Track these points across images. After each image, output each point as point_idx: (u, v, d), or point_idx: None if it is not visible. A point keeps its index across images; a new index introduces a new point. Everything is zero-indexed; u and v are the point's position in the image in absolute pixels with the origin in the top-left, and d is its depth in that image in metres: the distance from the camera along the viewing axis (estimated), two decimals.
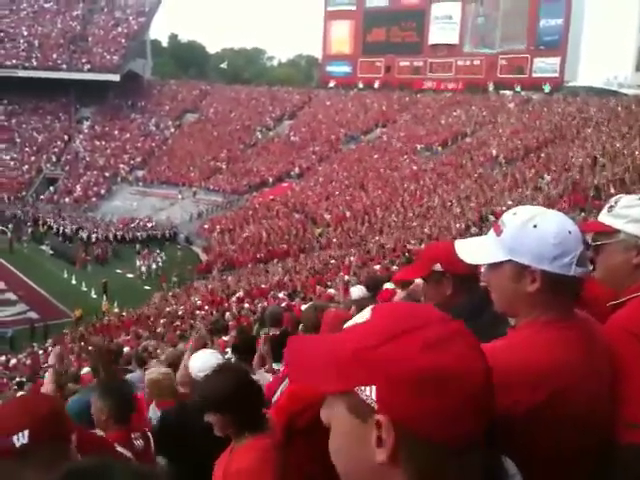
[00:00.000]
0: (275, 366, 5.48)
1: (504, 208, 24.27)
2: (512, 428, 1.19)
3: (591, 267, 1.80)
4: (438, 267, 2.31)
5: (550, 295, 1.42)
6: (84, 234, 40.81)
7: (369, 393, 0.85)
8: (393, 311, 0.95)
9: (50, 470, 1.47)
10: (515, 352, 1.34)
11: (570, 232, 1.41)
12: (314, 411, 2.46)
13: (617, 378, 1.46)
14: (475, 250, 1.57)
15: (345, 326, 0.96)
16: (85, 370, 8.85)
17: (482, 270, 1.60)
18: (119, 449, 2.81)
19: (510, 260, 1.44)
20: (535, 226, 1.41)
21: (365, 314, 0.95)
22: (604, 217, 1.87)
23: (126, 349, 13.20)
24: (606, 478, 1.52)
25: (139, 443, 3.11)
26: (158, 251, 37.37)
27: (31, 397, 1.75)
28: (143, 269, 35.17)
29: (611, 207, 1.86)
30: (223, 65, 72.50)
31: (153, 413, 4.79)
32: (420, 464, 0.85)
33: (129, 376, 7.62)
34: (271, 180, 46.67)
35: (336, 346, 0.90)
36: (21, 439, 1.50)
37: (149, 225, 42.62)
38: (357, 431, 0.87)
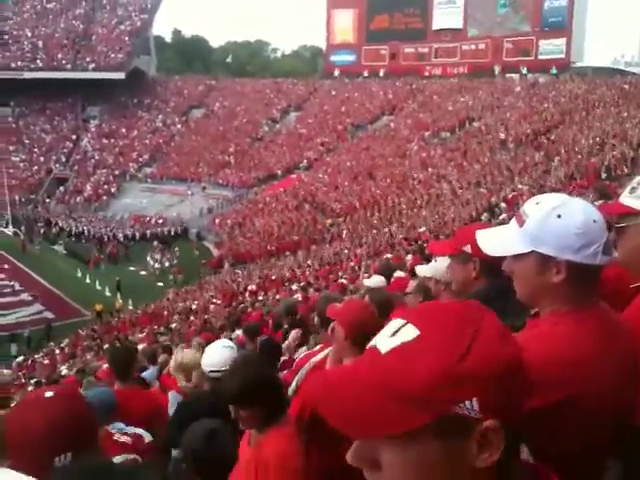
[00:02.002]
0: None
1: (515, 193, 24.20)
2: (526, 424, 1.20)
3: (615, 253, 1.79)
4: (468, 249, 2.36)
5: (574, 285, 1.42)
6: (96, 233, 41.08)
7: (470, 407, 0.79)
8: (444, 315, 0.87)
9: None
10: (532, 349, 1.30)
11: (595, 221, 1.39)
12: None
13: None
14: (497, 241, 1.56)
15: (385, 352, 0.86)
16: (105, 367, 8.93)
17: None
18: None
19: (534, 251, 1.43)
20: (559, 216, 1.39)
21: (409, 330, 0.86)
22: (626, 199, 1.83)
23: (141, 346, 13.32)
24: (622, 460, 1.53)
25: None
26: (170, 248, 37.56)
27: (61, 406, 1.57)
28: (156, 266, 35.34)
29: (633, 189, 1.82)
30: (227, 59, 72.41)
31: (173, 399, 4.85)
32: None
33: (144, 374, 7.70)
34: (280, 172, 46.66)
35: (399, 377, 0.81)
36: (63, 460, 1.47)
37: (160, 222, 42.80)
38: (449, 452, 0.81)
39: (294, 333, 5.90)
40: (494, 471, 0.84)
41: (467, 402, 0.79)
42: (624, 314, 1.63)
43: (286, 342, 5.76)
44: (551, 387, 1.29)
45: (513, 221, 1.51)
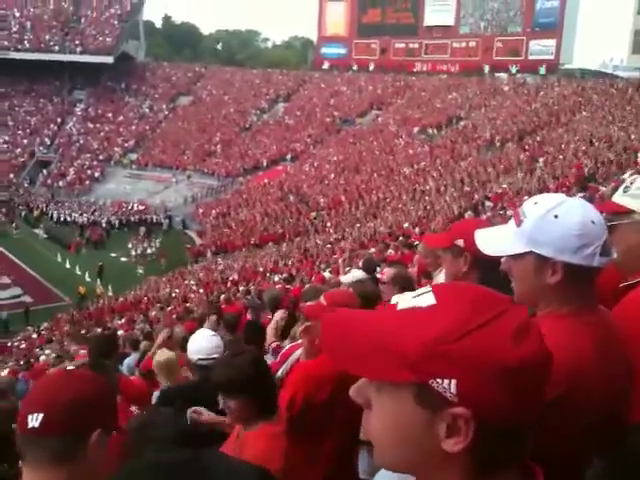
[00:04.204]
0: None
1: (499, 192, 24.33)
2: None
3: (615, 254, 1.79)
4: (460, 243, 2.37)
5: (571, 287, 1.41)
6: (78, 218, 40.71)
7: (447, 386, 0.78)
8: (466, 295, 0.86)
9: (59, 460, 1.43)
10: None
11: (594, 222, 1.38)
12: (330, 387, 2.45)
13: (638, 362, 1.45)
14: (495, 241, 1.56)
15: (399, 308, 0.88)
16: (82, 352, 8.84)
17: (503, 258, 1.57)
18: None
19: (531, 251, 1.42)
20: (556, 216, 1.38)
21: (427, 298, 0.86)
22: (619, 197, 1.86)
23: (120, 332, 13.24)
24: (607, 458, 1.52)
25: None
26: (151, 235, 37.37)
27: (67, 378, 1.60)
28: (134, 253, 35.10)
29: (627, 188, 1.85)
30: (217, 47, 71.92)
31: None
32: (487, 448, 0.81)
33: (126, 360, 7.64)
34: (265, 163, 46.51)
35: (398, 333, 0.82)
36: (34, 422, 1.44)
37: (142, 209, 42.48)
38: (422, 420, 0.82)
39: (280, 313, 5.89)
40: (483, 464, 0.82)
41: (445, 380, 0.79)
42: (612, 313, 1.62)
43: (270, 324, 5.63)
44: (549, 385, 1.28)
45: (511, 221, 1.50)
